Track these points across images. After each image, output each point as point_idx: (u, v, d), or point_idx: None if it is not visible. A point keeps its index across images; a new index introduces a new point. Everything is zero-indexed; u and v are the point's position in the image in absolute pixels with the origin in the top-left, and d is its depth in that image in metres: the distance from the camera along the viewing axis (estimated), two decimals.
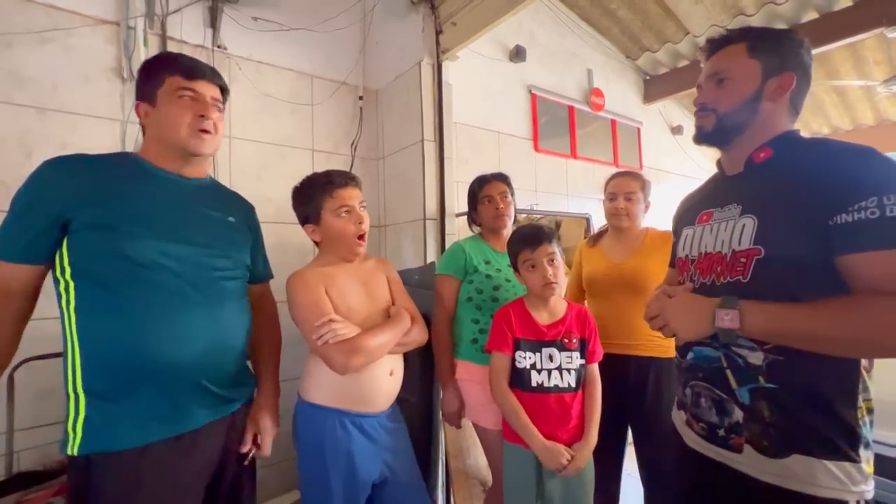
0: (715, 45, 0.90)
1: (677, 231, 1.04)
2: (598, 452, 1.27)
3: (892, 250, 0.65)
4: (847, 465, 0.72)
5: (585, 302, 1.74)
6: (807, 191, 0.73)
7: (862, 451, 0.73)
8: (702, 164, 4.46)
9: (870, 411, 0.74)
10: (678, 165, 4.23)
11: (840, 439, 0.72)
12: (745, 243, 0.78)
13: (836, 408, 0.73)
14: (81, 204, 0.86)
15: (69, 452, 0.83)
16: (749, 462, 0.78)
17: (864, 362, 0.74)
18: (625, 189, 1.60)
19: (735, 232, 0.81)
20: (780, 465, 0.74)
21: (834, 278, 0.71)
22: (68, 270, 0.86)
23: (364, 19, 2.32)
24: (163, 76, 0.95)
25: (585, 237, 2.55)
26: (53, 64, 1.57)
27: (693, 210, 0.98)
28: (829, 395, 0.73)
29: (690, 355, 0.90)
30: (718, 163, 0.97)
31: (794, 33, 0.85)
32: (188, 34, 1.82)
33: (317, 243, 1.29)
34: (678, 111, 4.37)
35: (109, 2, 1.67)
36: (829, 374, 0.73)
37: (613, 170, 3.58)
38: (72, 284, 0.86)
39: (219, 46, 1.90)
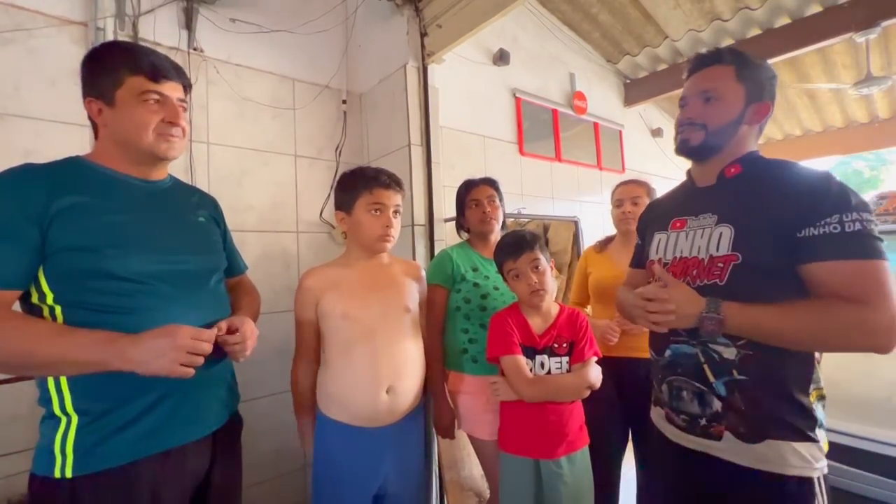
0: (705, 62, 0.95)
1: (645, 234, 1.11)
2: (600, 453, 1.26)
3: (848, 261, 0.75)
4: (810, 444, 0.82)
5: (589, 307, 1.74)
6: (778, 205, 0.82)
7: (818, 432, 0.83)
8: (682, 166, 4.54)
9: (821, 397, 0.86)
10: (659, 167, 4.30)
11: (800, 422, 0.82)
12: (724, 249, 0.86)
13: (794, 394, 0.82)
14: (54, 220, 0.80)
15: (57, 476, 0.79)
16: (728, 448, 0.86)
17: (816, 354, 0.85)
18: (631, 194, 1.65)
19: (713, 239, 0.88)
20: (755, 450, 0.83)
21: (797, 283, 0.81)
22: (50, 296, 0.81)
23: (346, 21, 2.27)
24: (122, 75, 0.88)
25: (574, 242, 2.56)
26: (15, 66, 1.47)
27: (664, 217, 1.04)
28: (788, 384, 0.83)
29: (668, 353, 0.96)
30: (688, 173, 1.05)
31: (769, 65, 0.94)
32: (162, 36, 1.74)
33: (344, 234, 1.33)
34: (658, 114, 4.45)
35: (76, 1, 1.58)
36: (790, 366, 0.83)
37: (598, 172, 3.65)
38: (58, 309, 0.81)
39: (195, 49, 1.83)
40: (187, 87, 0.98)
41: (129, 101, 0.88)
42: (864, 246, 0.75)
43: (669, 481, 0.99)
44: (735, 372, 0.85)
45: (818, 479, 0.81)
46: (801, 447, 0.81)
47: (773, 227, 0.82)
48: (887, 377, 1.52)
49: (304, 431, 1.26)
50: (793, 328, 0.78)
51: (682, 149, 0.97)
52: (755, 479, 0.83)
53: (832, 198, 0.78)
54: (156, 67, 0.90)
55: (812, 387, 0.84)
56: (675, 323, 0.86)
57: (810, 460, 0.81)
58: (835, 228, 0.76)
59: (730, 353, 0.85)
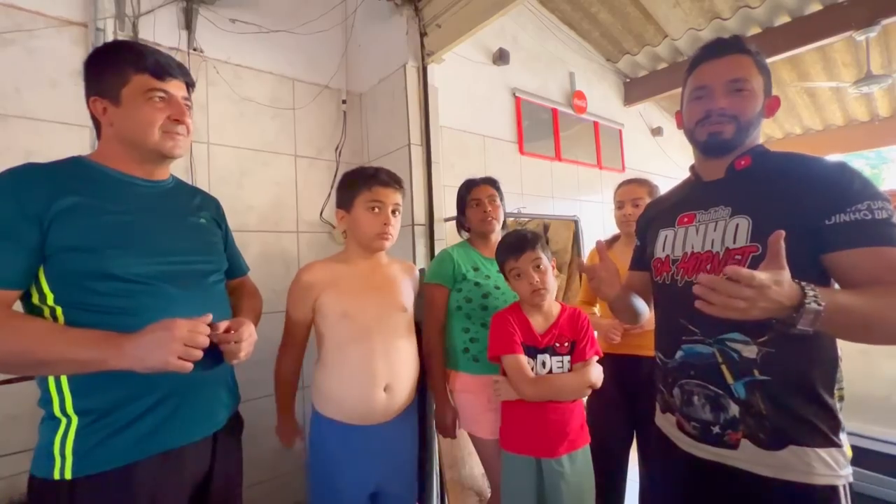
0: (729, 48, 0.88)
1: (647, 233, 1.06)
2: (603, 452, 1.26)
3: (881, 247, 0.72)
4: (834, 450, 0.77)
5: (597, 307, 1.74)
6: (799, 194, 0.79)
7: (842, 436, 0.78)
8: (682, 165, 4.54)
9: (841, 398, 0.82)
10: (659, 166, 4.30)
11: (826, 426, 0.77)
12: (741, 241, 0.82)
13: (820, 395, 0.78)
14: (55, 221, 0.80)
15: (56, 477, 0.79)
16: (746, 457, 0.80)
17: (839, 352, 0.81)
18: (632, 196, 1.63)
19: (728, 231, 0.84)
20: (777, 458, 0.78)
21: (818, 273, 0.77)
22: (50, 297, 0.81)
23: (346, 21, 2.27)
24: (128, 73, 0.88)
25: (574, 241, 2.56)
26: (15, 67, 1.48)
27: (669, 213, 0.99)
28: (815, 384, 0.78)
29: (680, 354, 0.90)
30: (692, 169, 1.01)
31: None
32: (161, 36, 1.74)
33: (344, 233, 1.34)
34: (658, 113, 4.45)
35: (76, 2, 1.59)
36: (816, 364, 0.78)
37: (598, 172, 3.65)
38: (59, 309, 0.81)
39: (194, 49, 1.83)
40: (191, 85, 0.99)
41: (134, 100, 0.88)
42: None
43: (679, 492, 0.94)
44: (757, 372, 0.79)
45: (843, 486, 0.76)
46: (826, 453, 0.76)
47: (794, 216, 0.77)
48: (886, 375, 1.52)
49: (288, 429, 1.28)
50: (873, 312, 0.68)
51: (715, 144, 0.88)
52: (776, 490, 0.77)
53: (857, 185, 0.75)
54: (161, 66, 0.91)
55: (836, 386, 0.80)
56: (747, 312, 0.66)
57: (835, 467, 0.76)
58: (865, 215, 0.73)
59: (750, 351, 0.80)
